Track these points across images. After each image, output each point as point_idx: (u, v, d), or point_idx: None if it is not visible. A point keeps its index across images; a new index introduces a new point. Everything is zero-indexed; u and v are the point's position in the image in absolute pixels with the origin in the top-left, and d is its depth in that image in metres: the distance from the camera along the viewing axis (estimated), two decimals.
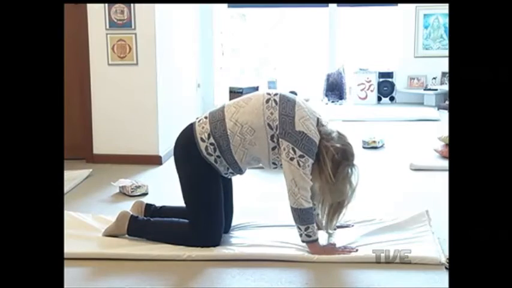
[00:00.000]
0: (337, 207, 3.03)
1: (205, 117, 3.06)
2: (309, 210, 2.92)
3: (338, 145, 2.94)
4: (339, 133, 3.02)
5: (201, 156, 3.00)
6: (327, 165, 2.91)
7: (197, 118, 3.14)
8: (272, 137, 2.93)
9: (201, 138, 3.00)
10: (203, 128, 3.02)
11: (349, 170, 2.96)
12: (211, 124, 3.00)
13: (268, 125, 2.93)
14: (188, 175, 3.08)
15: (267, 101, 2.97)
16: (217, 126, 2.98)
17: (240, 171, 3.12)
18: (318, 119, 3.01)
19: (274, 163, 3.02)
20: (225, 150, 2.98)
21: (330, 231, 3.14)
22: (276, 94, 3.00)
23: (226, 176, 3.13)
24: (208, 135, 2.99)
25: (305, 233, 2.95)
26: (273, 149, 2.96)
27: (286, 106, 2.94)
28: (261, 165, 3.13)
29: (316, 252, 2.95)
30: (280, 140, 2.91)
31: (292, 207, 2.94)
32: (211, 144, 2.98)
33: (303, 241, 2.98)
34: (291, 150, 2.89)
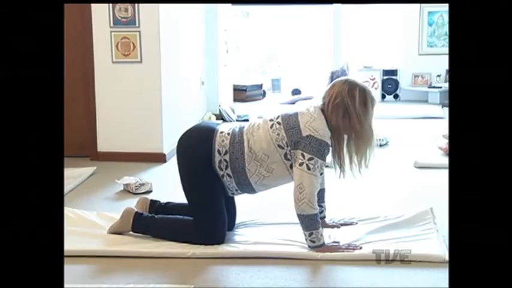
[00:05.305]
0: (364, 143, 3.22)
1: (228, 134, 3.05)
2: (312, 216, 2.92)
3: (339, 97, 3.05)
4: (326, 92, 3.14)
5: (210, 164, 3.01)
6: (343, 120, 3.04)
7: (219, 125, 3.14)
8: (286, 155, 2.95)
9: (218, 151, 3.01)
10: (223, 141, 3.02)
11: (362, 91, 3.16)
12: (231, 144, 3.01)
13: (279, 145, 2.95)
14: (190, 173, 3.08)
15: (271, 126, 3.00)
16: (235, 148, 3.00)
17: (253, 191, 3.13)
18: (321, 106, 3.06)
19: None
20: (239, 171, 3.00)
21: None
22: (278, 117, 3.03)
23: (232, 195, 3.16)
24: (226, 151, 3.00)
25: (309, 238, 2.95)
26: (291, 167, 2.97)
27: (289, 121, 2.97)
28: None
29: (320, 250, 2.95)
30: (292, 152, 2.93)
31: (296, 214, 2.94)
32: (225, 161, 2.99)
33: (308, 246, 2.98)
34: (300, 156, 2.90)
